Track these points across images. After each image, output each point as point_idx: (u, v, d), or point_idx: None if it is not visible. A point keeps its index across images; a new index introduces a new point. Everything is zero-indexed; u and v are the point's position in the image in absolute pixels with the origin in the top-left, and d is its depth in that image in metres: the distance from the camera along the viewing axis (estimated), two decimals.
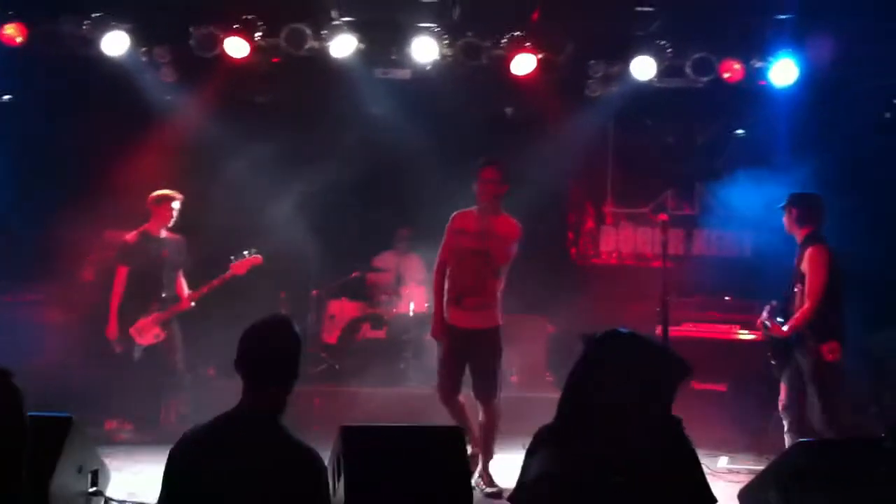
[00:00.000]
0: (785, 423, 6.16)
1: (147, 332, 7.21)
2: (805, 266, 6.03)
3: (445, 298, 6.15)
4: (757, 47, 8.32)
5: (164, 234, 7.43)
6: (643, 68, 8.35)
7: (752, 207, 8.75)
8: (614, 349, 2.97)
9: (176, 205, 7.38)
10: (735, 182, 8.99)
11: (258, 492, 2.83)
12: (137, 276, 7.27)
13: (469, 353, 6.09)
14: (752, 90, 8.57)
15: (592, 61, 8.59)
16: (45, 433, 4.40)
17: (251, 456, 2.88)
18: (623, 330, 3.01)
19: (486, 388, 6.08)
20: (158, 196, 7.39)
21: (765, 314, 6.23)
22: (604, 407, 2.80)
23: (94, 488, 4.83)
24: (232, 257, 7.32)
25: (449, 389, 6.15)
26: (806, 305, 5.96)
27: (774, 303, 6.21)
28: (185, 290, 7.46)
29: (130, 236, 7.45)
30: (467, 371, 6.16)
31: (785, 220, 6.30)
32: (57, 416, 4.62)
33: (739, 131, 9.69)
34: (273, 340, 3.04)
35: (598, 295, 9.29)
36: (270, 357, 3.00)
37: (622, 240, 10.23)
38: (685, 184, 10.05)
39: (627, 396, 2.82)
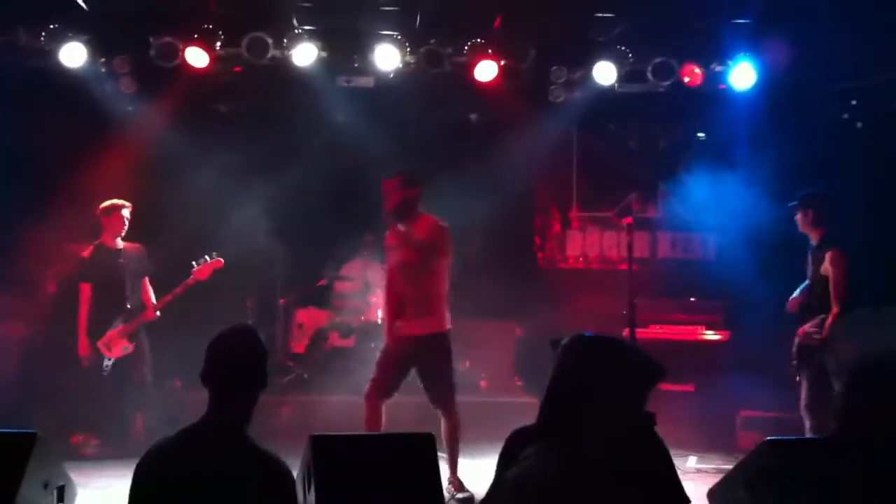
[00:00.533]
0: (807, 423, 6.17)
1: (115, 345, 7.13)
2: (828, 268, 6.10)
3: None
4: (716, 51, 8.43)
5: (120, 244, 7.35)
6: (605, 73, 8.42)
7: (714, 210, 8.87)
8: (586, 352, 2.99)
9: (126, 213, 7.30)
10: (697, 185, 9.09)
11: (233, 501, 2.81)
12: (100, 289, 7.19)
13: (415, 360, 6.09)
14: (713, 94, 8.67)
15: (555, 67, 8.65)
16: (9, 450, 4.33)
17: (219, 467, 2.86)
18: (588, 333, 3.04)
19: (440, 395, 6.09)
20: (107, 207, 7.32)
21: (808, 326, 6.22)
22: (582, 409, 2.82)
23: None
24: (193, 263, 7.25)
25: (378, 389, 6.14)
26: (835, 309, 6.03)
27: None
28: (152, 299, 7.38)
29: (86, 252, 7.37)
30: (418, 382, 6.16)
31: (799, 220, 6.33)
32: (20, 433, 4.53)
33: (701, 134, 9.80)
34: (239, 350, 3.03)
35: (566, 299, 9.34)
36: (236, 367, 2.99)
37: (588, 244, 10.29)
38: (649, 187, 10.13)
39: (603, 398, 2.84)
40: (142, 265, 7.41)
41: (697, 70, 8.41)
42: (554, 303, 9.21)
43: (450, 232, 6.11)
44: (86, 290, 7.19)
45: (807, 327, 6.20)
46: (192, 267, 7.22)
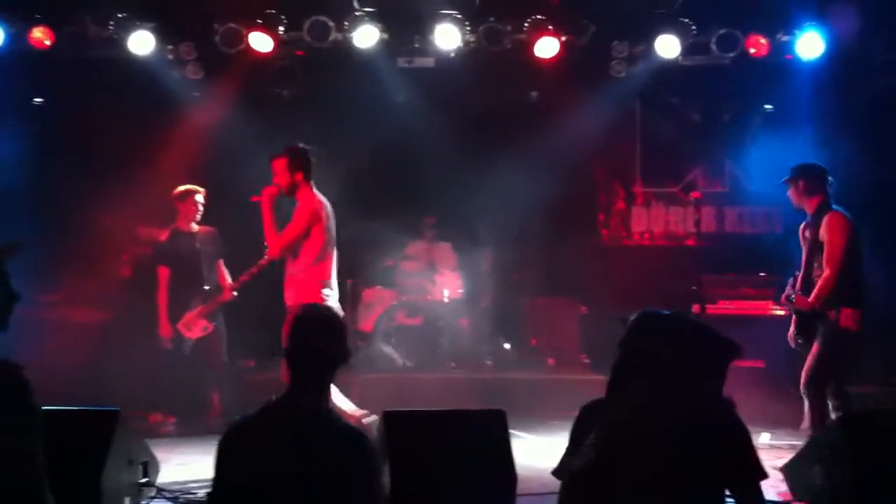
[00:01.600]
0: (806, 401, 5.99)
1: (195, 326, 7.31)
2: (823, 233, 5.97)
3: None
4: (782, 21, 8.26)
5: (194, 228, 7.50)
6: (667, 47, 8.32)
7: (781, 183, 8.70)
8: (654, 329, 2.99)
9: (199, 198, 7.45)
10: (764, 157, 8.93)
11: (312, 476, 2.86)
12: (177, 272, 7.34)
13: None
14: (779, 64, 8.51)
15: (616, 42, 8.56)
16: (94, 426, 4.49)
17: (303, 441, 2.91)
18: (656, 310, 3.04)
19: None
20: (181, 192, 7.47)
21: (788, 289, 6.18)
22: (654, 384, 2.83)
23: (146, 479, 4.90)
24: (265, 245, 7.37)
25: None
26: (826, 272, 5.88)
27: (798, 273, 6.15)
28: (228, 280, 7.53)
29: (162, 236, 7.54)
30: None
31: (791, 193, 6.22)
32: (105, 410, 4.70)
33: (767, 106, 9.61)
34: (320, 330, 3.07)
35: (631, 276, 9.28)
36: (317, 346, 3.03)
37: (653, 220, 10.19)
38: (714, 161, 10.00)
39: (673, 375, 2.85)
40: (216, 248, 7.55)
41: (763, 41, 8.25)
42: (619, 280, 9.17)
43: None
44: (164, 273, 7.36)
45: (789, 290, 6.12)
46: (265, 248, 7.34)
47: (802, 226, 6.29)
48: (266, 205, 6.04)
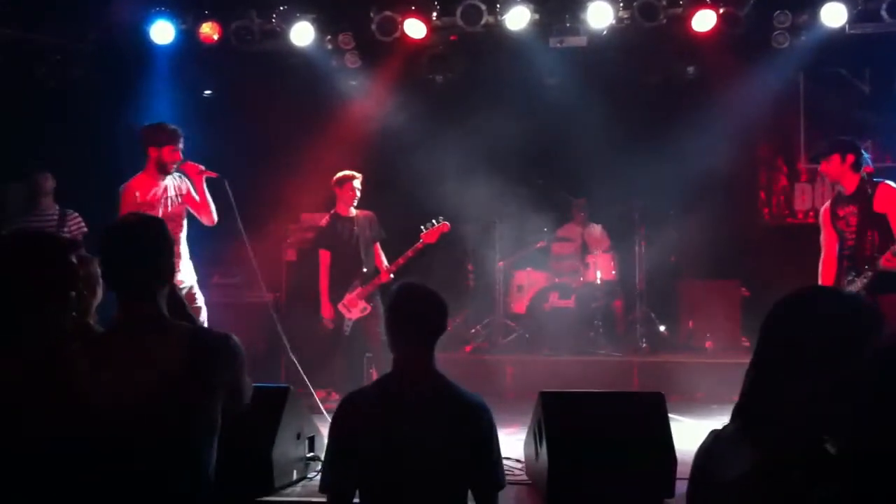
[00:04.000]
0: None
1: (354, 307, 7.55)
2: (883, 205, 5.73)
3: None
4: None
5: (353, 212, 7.71)
6: (834, 15, 7.94)
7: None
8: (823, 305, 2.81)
9: (357, 183, 7.63)
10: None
11: (428, 445, 2.92)
12: (337, 256, 7.55)
13: None
14: None
15: (777, 11, 8.20)
16: (266, 403, 4.73)
17: (418, 409, 2.98)
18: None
19: None
20: (340, 178, 7.63)
21: (857, 281, 5.77)
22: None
23: (312, 454, 5.13)
24: (422, 227, 7.52)
25: None
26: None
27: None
28: (385, 263, 7.74)
29: (323, 220, 7.76)
30: None
31: (831, 169, 5.93)
32: (275, 387, 4.95)
33: None
34: (419, 302, 3.15)
35: (795, 256, 8.91)
36: (418, 317, 3.11)
37: (818, 197, 9.74)
38: (885, 134, 9.46)
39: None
40: (374, 231, 7.76)
41: None
42: (782, 261, 8.84)
43: None
44: (325, 256, 7.59)
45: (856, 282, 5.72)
46: (421, 231, 7.50)
47: (830, 206, 6.07)
48: None
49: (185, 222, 6.61)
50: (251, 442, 4.50)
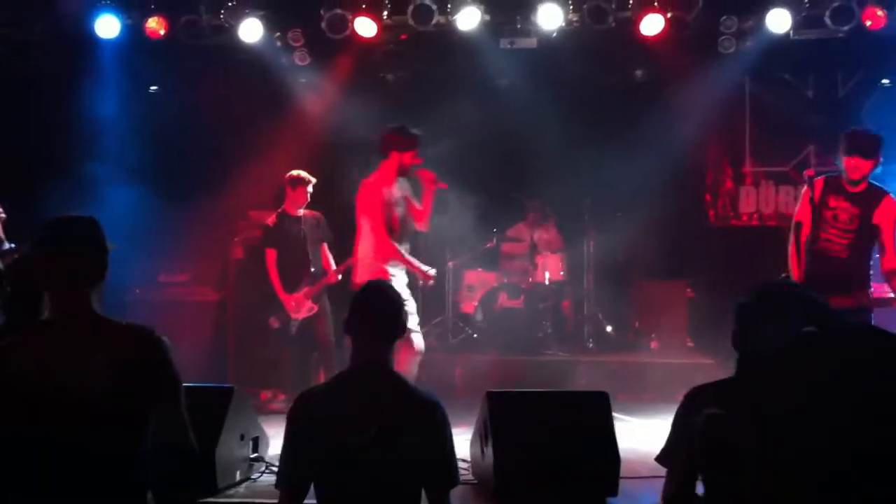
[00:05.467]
0: None
1: (301, 307, 7.50)
2: (883, 218, 5.57)
3: None
4: None
5: (301, 212, 7.66)
6: (779, 21, 8.08)
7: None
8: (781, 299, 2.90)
9: (310, 188, 7.59)
10: (881, 135, 8.58)
11: (382, 439, 2.94)
12: (284, 255, 7.50)
13: None
14: None
15: (724, 16, 8.32)
16: (210, 403, 4.68)
17: (372, 404, 3.00)
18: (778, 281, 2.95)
19: None
20: (294, 178, 7.58)
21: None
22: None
23: (256, 454, 5.09)
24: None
25: None
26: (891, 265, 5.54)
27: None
28: (332, 264, 7.70)
29: (270, 219, 7.68)
30: None
31: (860, 165, 5.58)
32: (220, 387, 4.90)
33: (885, 81, 9.23)
34: (376, 301, 3.21)
35: (739, 257, 9.06)
36: (374, 316, 3.15)
37: (763, 200, 9.89)
38: (829, 139, 9.63)
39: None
40: (321, 232, 7.72)
41: (880, 12, 7.89)
42: (727, 262, 8.98)
43: None
44: (271, 254, 7.52)
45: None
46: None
47: (824, 185, 5.73)
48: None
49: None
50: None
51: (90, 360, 2.48)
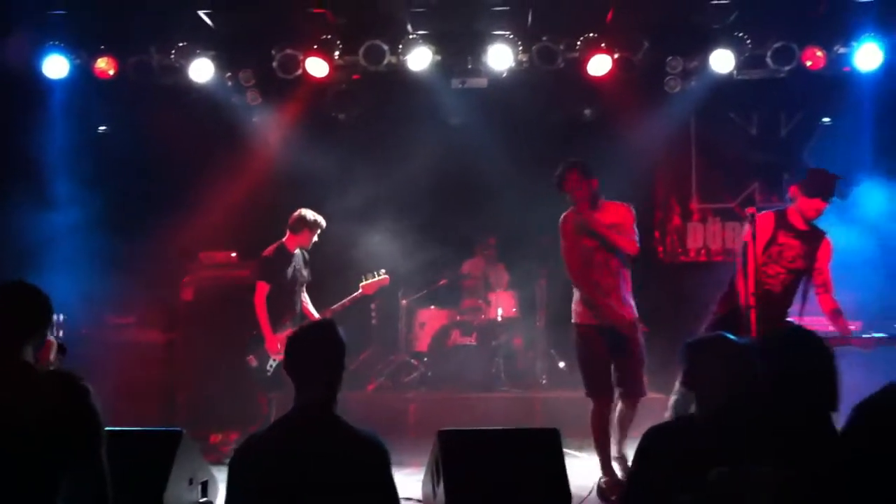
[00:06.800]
0: None
1: (284, 348, 7.22)
2: (823, 258, 5.83)
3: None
4: (839, 33, 8.15)
5: (297, 251, 7.35)
6: (722, 61, 8.28)
7: (842, 196, 8.56)
8: (712, 356, 2.98)
9: (315, 238, 7.30)
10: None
11: (325, 484, 2.92)
12: (276, 291, 7.12)
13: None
14: (837, 77, 8.40)
15: (670, 57, 8.52)
16: (157, 447, 4.62)
17: (312, 448, 2.98)
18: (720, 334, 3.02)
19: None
20: (311, 220, 7.23)
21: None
22: (721, 408, 2.78)
23: (205, 499, 5.01)
24: (363, 277, 7.40)
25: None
26: (835, 303, 5.76)
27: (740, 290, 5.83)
28: (310, 306, 7.49)
29: (269, 250, 7.27)
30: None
31: (821, 208, 5.84)
32: (167, 431, 4.83)
33: (825, 119, 9.48)
34: (318, 341, 3.16)
35: (688, 293, 9.17)
36: (316, 356, 3.11)
37: (710, 236, 10.06)
38: (772, 176, 9.87)
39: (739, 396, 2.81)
40: (306, 273, 7.43)
41: (819, 53, 8.16)
42: (676, 297, 9.08)
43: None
44: (263, 289, 7.08)
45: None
46: (362, 281, 7.38)
47: (775, 221, 5.95)
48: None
49: None
50: (142, 487, 4.38)
51: (13, 407, 2.46)
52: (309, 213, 7.27)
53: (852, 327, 5.90)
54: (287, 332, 7.15)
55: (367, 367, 9.41)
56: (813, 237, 5.88)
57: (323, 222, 7.32)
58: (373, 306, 9.71)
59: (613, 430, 6.08)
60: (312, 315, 7.38)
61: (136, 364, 7.95)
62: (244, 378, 7.25)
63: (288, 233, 7.31)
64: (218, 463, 5.62)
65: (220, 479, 5.43)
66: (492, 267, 9.93)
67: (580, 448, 6.99)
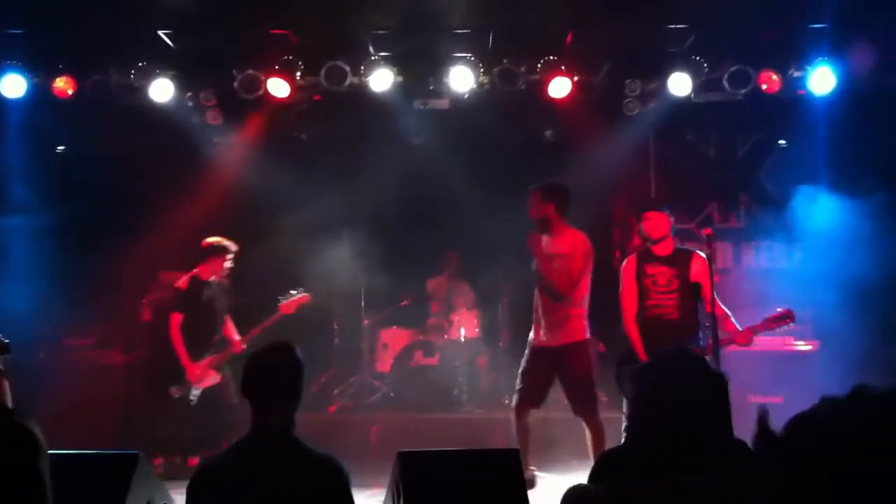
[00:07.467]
0: None
1: (204, 376, 7.26)
2: (699, 274, 6.01)
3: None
4: (793, 57, 8.32)
5: (212, 278, 7.49)
6: (680, 84, 8.40)
7: (798, 217, 8.72)
8: (654, 378, 3.00)
9: (228, 263, 7.37)
10: (779, 192, 8.96)
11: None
12: (193, 321, 7.27)
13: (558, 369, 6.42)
14: (792, 100, 8.56)
15: (628, 80, 8.64)
16: (114, 470, 4.55)
17: (269, 471, 2.97)
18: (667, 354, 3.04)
19: (581, 404, 6.49)
20: (216, 246, 7.36)
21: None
22: (671, 432, 2.78)
23: None
24: (280, 297, 7.38)
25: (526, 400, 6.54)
26: (720, 310, 5.88)
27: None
28: (234, 333, 7.50)
29: (181, 283, 7.43)
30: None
31: (664, 222, 6.25)
32: (124, 453, 4.76)
33: (781, 141, 9.65)
34: (274, 363, 3.14)
35: None
36: (273, 378, 3.10)
37: None
38: (730, 196, 10.01)
39: (689, 420, 2.82)
40: (227, 301, 7.51)
41: (775, 77, 8.31)
42: None
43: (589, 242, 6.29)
44: (177, 320, 7.25)
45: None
46: (279, 301, 7.34)
47: (637, 261, 6.36)
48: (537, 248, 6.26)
49: None
50: None
51: None
52: (214, 241, 7.38)
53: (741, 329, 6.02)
54: (208, 359, 7.14)
55: (329, 387, 9.37)
56: (681, 257, 6.17)
57: (232, 247, 7.38)
58: (335, 327, 9.67)
59: None
60: (234, 340, 7.39)
61: (95, 386, 7.84)
62: (206, 399, 7.23)
63: (199, 263, 7.35)
64: None
65: (180, 502, 5.38)
66: (456, 285, 9.95)
67: (542, 468, 7.00)
